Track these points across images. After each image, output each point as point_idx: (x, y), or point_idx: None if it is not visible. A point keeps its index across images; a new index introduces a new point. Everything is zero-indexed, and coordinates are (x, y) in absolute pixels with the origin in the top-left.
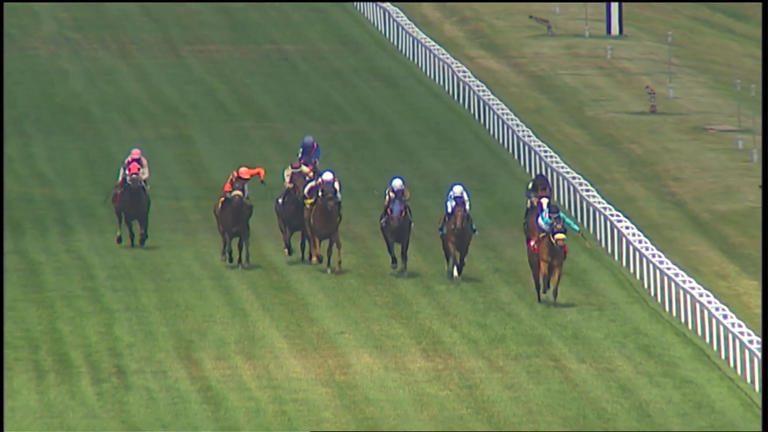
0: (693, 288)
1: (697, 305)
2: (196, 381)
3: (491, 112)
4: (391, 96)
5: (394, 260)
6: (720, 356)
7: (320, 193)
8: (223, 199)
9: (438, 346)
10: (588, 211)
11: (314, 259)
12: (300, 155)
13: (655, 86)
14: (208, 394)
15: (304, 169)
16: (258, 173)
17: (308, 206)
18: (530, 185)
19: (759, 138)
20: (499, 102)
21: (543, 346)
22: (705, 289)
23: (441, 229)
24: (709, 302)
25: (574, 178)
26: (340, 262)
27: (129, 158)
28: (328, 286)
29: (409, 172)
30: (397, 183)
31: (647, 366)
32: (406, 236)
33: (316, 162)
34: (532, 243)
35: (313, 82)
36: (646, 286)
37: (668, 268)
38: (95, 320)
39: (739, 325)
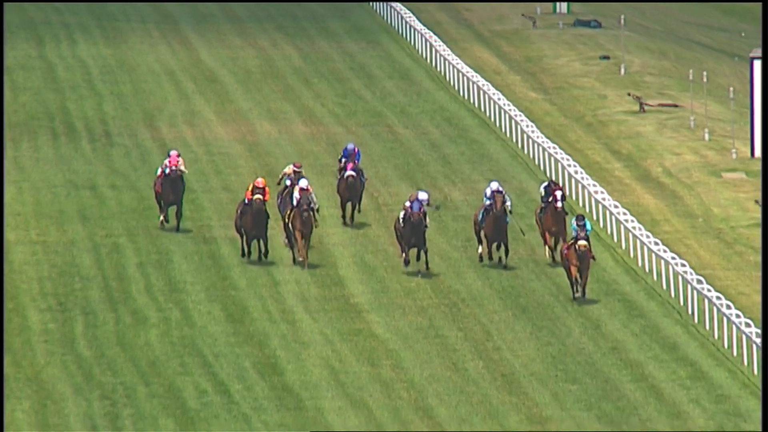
0: (478, 81)
1: (482, 93)
2: (156, 141)
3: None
4: None
5: (407, 262)
6: (496, 125)
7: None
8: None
9: (313, 117)
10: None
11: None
12: (341, 158)
13: None
14: (164, 149)
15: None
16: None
17: (288, 212)
18: (543, 190)
19: None
20: None
21: (381, 118)
22: (485, 81)
23: (481, 221)
24: (488, 90)
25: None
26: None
27: (169, 159)
28: (243, 80)
29: (315, 32)
30: (422, 195)
31: (448, 131)
32: (422, 234)
33: (357, 163)
34: (563, 249)
35: None
36: (449, 79)
37: (462, 68)
38: (91, 101)
39: (508, 105)
